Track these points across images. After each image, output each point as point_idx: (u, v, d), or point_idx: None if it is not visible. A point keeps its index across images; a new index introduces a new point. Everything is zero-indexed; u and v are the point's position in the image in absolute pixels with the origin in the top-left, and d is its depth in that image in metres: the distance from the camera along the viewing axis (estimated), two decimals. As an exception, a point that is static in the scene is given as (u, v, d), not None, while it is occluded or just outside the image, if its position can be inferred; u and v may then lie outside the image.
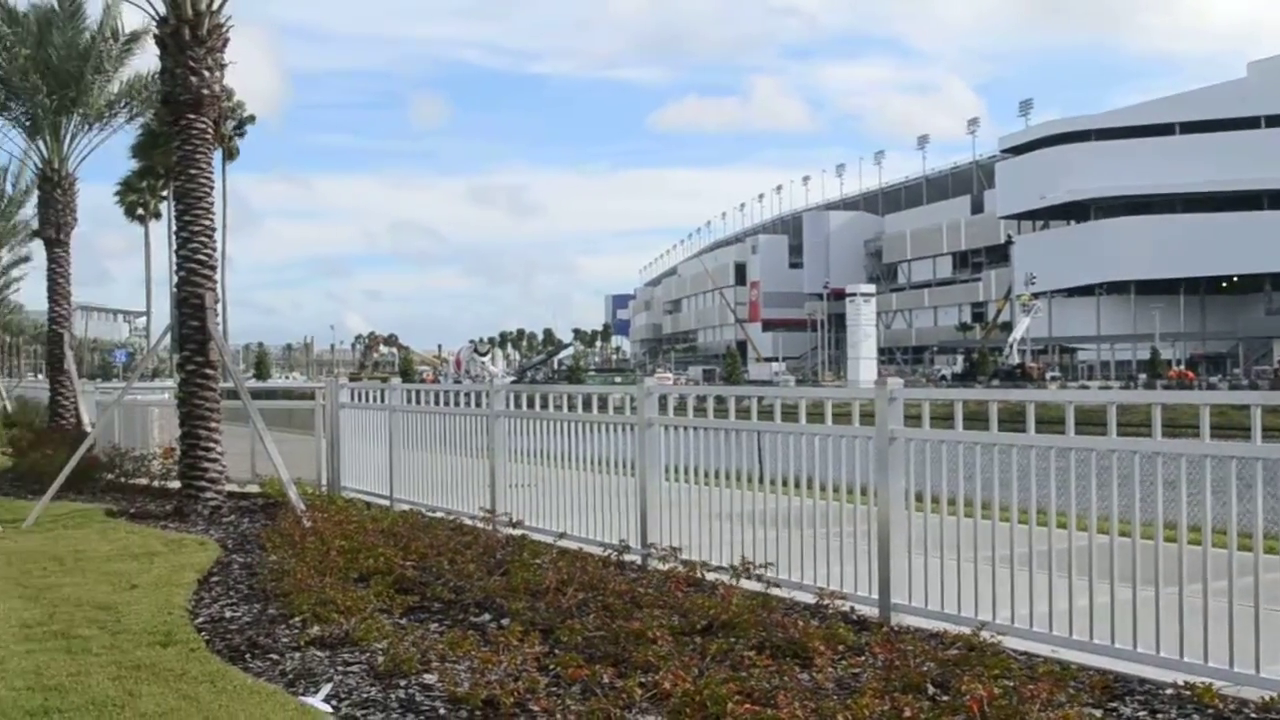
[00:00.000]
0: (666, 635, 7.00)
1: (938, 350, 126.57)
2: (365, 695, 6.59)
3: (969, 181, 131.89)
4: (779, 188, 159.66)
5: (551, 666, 6.75)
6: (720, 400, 9.83)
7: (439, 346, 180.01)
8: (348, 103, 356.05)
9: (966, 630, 7.13)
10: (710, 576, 8.63)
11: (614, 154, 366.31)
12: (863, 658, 6.88)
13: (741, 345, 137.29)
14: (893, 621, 7.86)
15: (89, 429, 20.52)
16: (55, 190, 25.97)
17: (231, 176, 76.76)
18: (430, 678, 6.78)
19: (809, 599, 8.29)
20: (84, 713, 6.33)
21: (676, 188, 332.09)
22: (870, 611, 8.03)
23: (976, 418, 8.00)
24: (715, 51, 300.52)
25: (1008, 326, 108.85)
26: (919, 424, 7.99)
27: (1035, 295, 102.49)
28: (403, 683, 6.75)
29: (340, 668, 7.14)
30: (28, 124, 25.58)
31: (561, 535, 10.41)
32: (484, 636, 7.58)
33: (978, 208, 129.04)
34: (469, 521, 11.43)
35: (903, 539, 8.00)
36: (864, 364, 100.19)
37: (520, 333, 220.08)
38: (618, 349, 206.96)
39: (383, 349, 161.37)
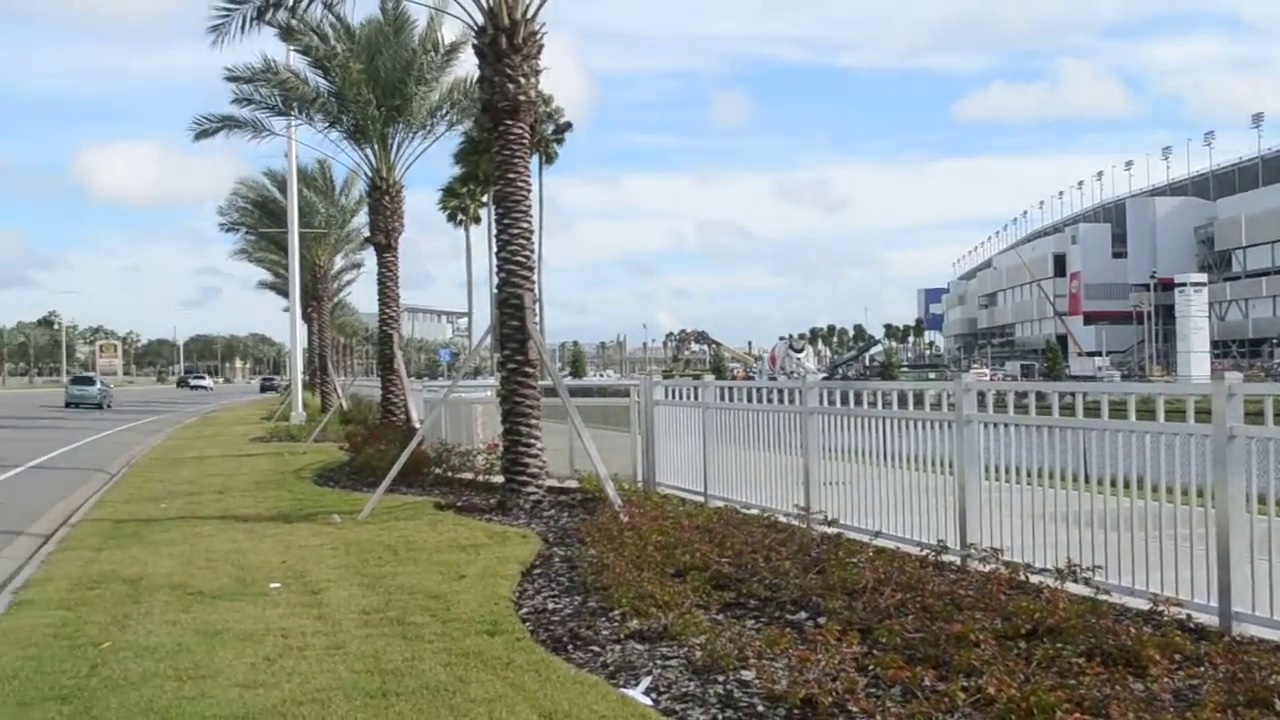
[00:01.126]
0: (989, 639, 6.79)
1: (1278, 343, 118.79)
2: (684, 690, 6.64)
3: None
4: (1099, 174, 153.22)
5: (870, 667, 6.64)
6: (1041, 396, 9.49)
7: (749, 343, 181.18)
8: (653, 103, 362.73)
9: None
10: (1033, 579, 8.34)
11: (923, 144, 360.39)
12: (1201, 669, 6.52)
13: (1061, 339, 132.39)
14: (1234, 631, 7.39)
15: (418, 425, 21.45)
16: (384, 198, 27.30)
17: (546, 180, 78.72)
18: (748, 674, 6.77)
19: (1140, 605, 7.89)
20: (418, 696, 6.61)
21: (989, 177, 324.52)
22: (1208, 620, 7.58)
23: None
24: (1023, 35, 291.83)
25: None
26: (1261, 421, 7.48)
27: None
28: (720, 678, 6.77)
29: (659, 661, 7.22)
30: (358, 135, 26.98)
31: (877, 534, 10.25)
32: (801, 634, 7.54)
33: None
34: (783, 519, 11.39)
35: (1244, 544, 7.51)
36: (1195, 358, 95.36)
37: (830, 329, 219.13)
38: (930, 344, 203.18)
39: (694, 346, 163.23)
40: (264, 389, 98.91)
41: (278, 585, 10.11)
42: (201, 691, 6.79)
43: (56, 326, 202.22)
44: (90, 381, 71.23)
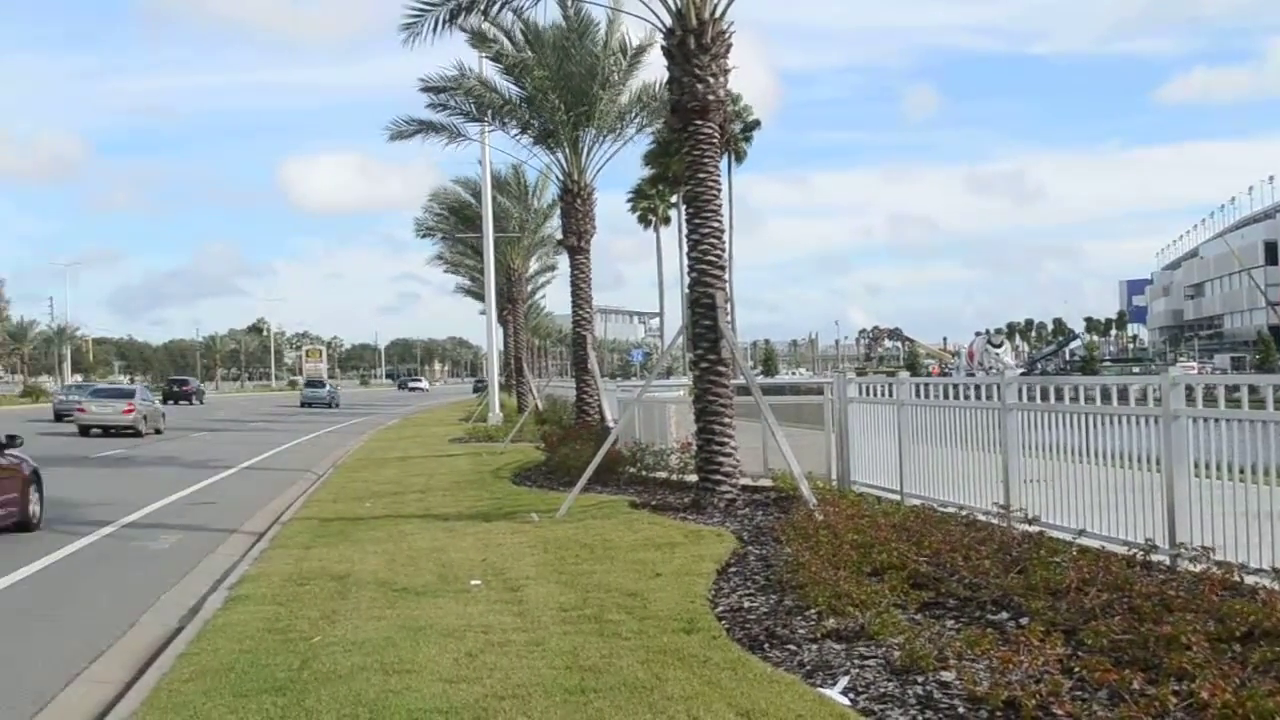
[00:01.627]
0: (1201, 641, 6.54)
1: None
2: (882, 690, 6.57)
3: None
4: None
5: (1075, 669, 6.47)
6: (1254, 390, 9.10)
7: (944, 339, 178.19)
8: (839, 99, 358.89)
9: None
10: (1248, 580, 8.01)
11: (1122, 131, 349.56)
12: None
13: (1274, 330, 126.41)
14: None
15: (611, 425, 21.64)
16: (575, 201, 27.61)
17: (735, 178, 78.72)
18: (948, 675, 6.66)
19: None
20: (616, 693, 6.67)
21: (1193, 164, 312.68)
22: None
23: None
24: (1224, 15, 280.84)
25: None
26: None
27: None
28: (920, 679, 6.67)
29: (856, 661, 7.16)
30: (549, 140, 27.36)
31: (1081, 533, 9.96)
32: (1002, 635, 7.38)
33: None
34: (981, 517, 11.16)
35: None
36: None
37: (1028, 323, 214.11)
38: (1134, 338, 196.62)
39: (887, 343, 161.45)
40: (476, 389, 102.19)
41: (478, 582, 10.32)
42: (407, 685, 6.97)
43: (265, 333, 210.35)
44: (321, 384, 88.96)
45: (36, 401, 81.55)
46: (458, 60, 27.14)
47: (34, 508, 15.48)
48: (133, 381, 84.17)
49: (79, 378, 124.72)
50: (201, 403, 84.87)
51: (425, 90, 26.19)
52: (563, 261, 49.90)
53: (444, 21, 17.78)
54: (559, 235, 33.93)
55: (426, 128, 27.78)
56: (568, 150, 27.18)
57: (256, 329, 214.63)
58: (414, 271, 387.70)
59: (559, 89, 25.79)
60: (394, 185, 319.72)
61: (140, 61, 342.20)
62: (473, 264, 57.61)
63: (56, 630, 9.57)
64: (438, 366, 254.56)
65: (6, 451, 15.29)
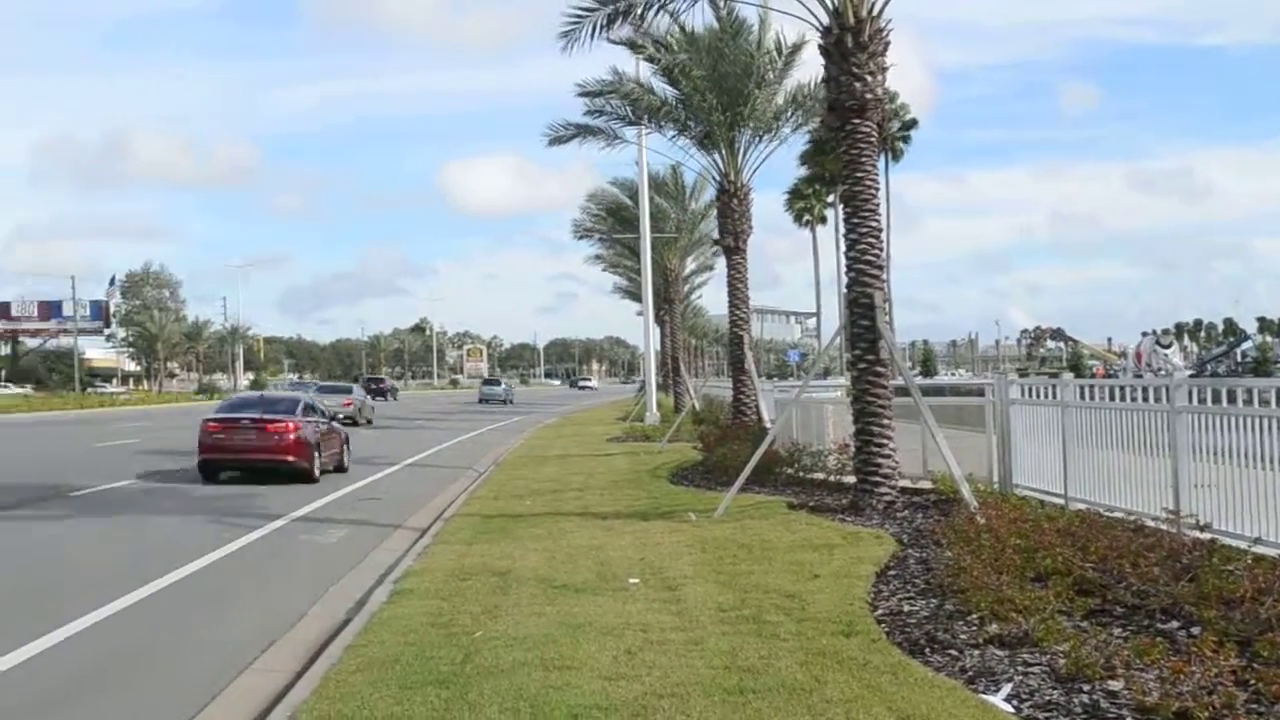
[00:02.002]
0: (1387, 655, 6.29)
1: None
2: (1046, 698, 6.46)
3: None
4: None
5: (1251, 681, 6.28)
6: None
7: (1108, 340, 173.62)
8: (996, 95, 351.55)
9: None
10: None
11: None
12: None
13: None
14: None
15: (768, 425, 21.61)
16: (732, 201, 27.57)
17: (892, 177, 77.68)
18: (1115, 684, 6.53)
19: None
20: (775, 695, 6.67)
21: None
22: None
23: None
24: None
25: None
26: None
27: None
28: (1085, 688, 6.55)
29: (1020, 668, 7.05)
30: (705, 141, 27.39)
31: (1256, 540, 9.63)
32: (1172, 645, 7.19)
33: None
34: (1150, 523, 10.87)
35: None
36: None
37: (1196, 324, 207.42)
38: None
39: (1049, 343, 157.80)
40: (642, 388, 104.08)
41: (636, 581, 10.40)
42: (567, 681, 7.06)
43: (427, 332, 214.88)
44: (497, 383, 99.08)
45: (211, 398, 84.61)
46: (612, 65, 27.44)
47: (346, 459, 24.77)
48: (302, 379, 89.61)
49: (250, 376, 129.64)
50: (395, 399, 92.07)
51: (582, 95, 26.52)
52: (719, 261, 49.87)
53: (600, 27, 18.09)
54: (715, 235, 33.88)
55: (583, 131, 28.08)
56: (724, 150, 27.17)
57: (419, 328, 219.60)
58: (571, 272, 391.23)
59: (715, 89, 25.81)
60: (551, 187, 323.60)
61: (310, 68, 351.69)
62: (630, 264, 58.03)
63: (231, 625, 9.91)
64: (595, 366, 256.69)
65: (333, 421, 25.32)
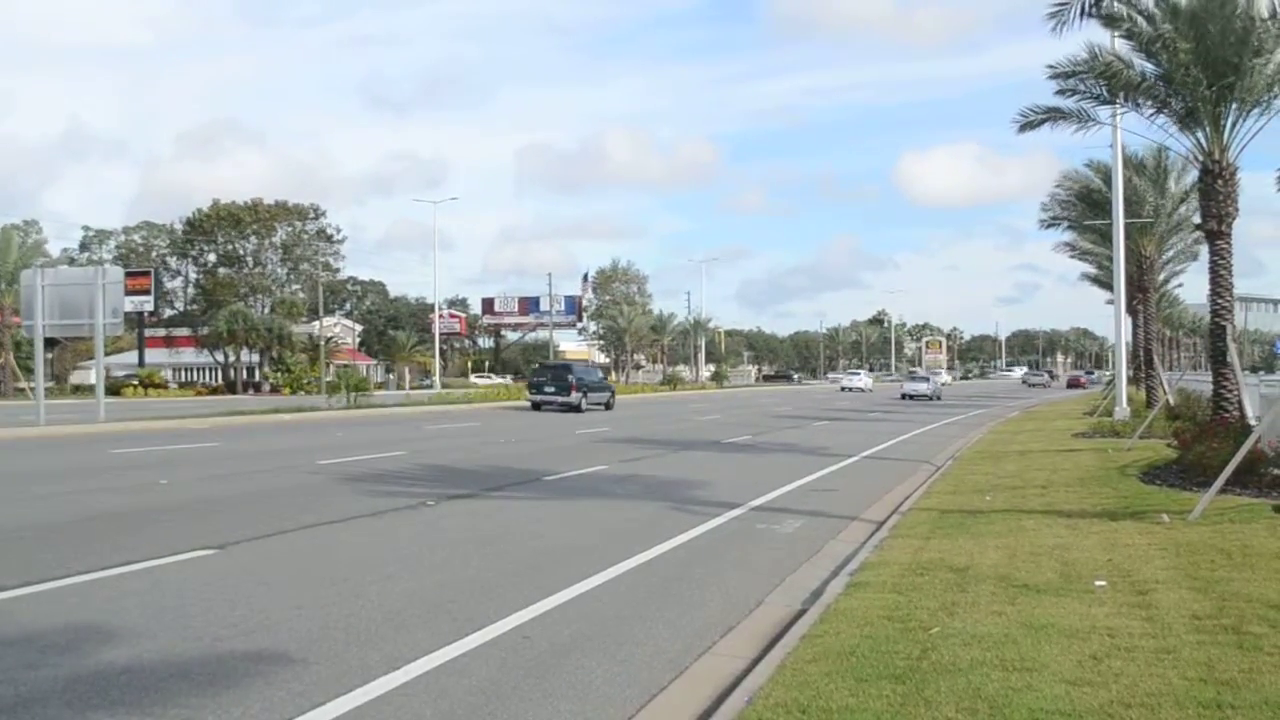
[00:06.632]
0: None
1: None
2: None
3: None
4: None
5: None
6: None
7: None
8: None
9: None
10: None
11: None
12: None
13: None
14: None
15: (1252, 423, 20.13)
16: (1216, 182, 25.77)
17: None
18: None
19: None
20: (1258, 711, 6.17)
21: None
22: None
23: None
24: None
25: None
26: None
27: None
28: None
29: None
30: (1187, 118, 25.76)
31: None
32: None
33: None
34: None
35: None
36: None
37: None
38: None
39: None
40: (1111, 382, 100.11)
41: (1103, 583, 9.90)
42: (1027, 684, 6.78)
43: (885, 324, 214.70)
44: (925, 379, 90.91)
45: (675, 390, 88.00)
46: (1089, 43, 26.22)
47: None
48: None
49: (711, 368, 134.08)
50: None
51: (1054, 77, 25.48)
52: (1200, 249, 46.93)
53: (1091, 4, 18.00)
54: (1196, 219, 31.87)
55: (1054, 114, 27.02)
56: (1207, 127, 25.48)
57: (877, 320, 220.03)
58: (1033, 262, 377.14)
59: (1200, 62, 24.23)
60: (1011, 176, 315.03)
61: (768, 66, 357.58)
62: (1101, 251, 55.54)
63: (692, 608, 10.17)
64: (1060, 358, 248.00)
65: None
